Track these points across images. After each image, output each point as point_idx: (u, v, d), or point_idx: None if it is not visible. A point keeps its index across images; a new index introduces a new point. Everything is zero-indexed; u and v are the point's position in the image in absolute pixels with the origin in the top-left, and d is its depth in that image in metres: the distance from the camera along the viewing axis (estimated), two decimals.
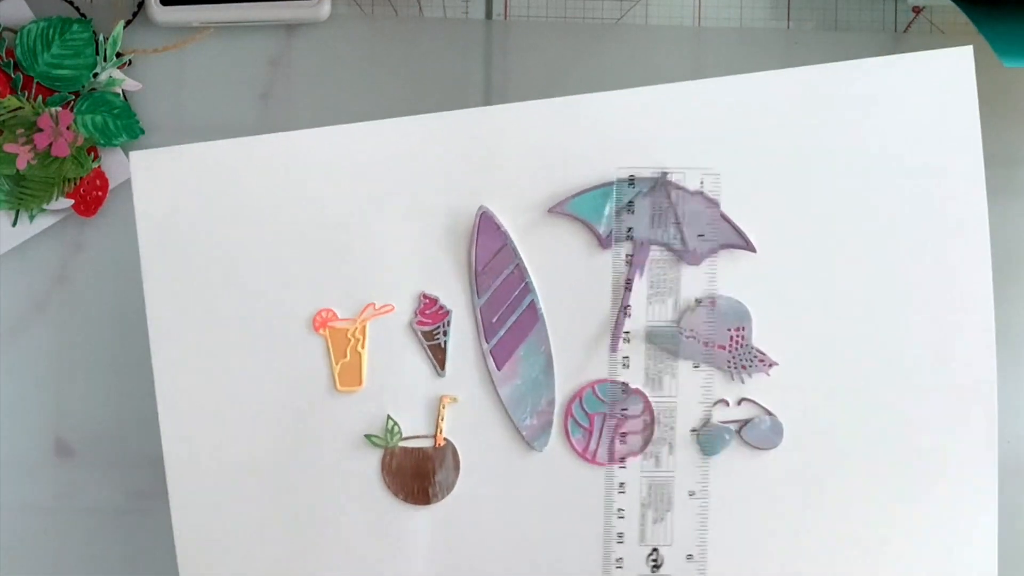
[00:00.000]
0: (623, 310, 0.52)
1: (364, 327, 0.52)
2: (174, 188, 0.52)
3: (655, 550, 0.53)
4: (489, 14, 0.60)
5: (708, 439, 0.53)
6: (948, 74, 0.52)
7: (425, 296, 0.53)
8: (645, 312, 0.53)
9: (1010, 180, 0.58)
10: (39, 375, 0.59)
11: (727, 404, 0.53)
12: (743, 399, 0.53)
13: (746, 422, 0.53)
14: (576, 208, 0.52)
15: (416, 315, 0.53)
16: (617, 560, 0.53)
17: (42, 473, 0.59)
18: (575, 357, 0.53)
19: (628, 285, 0.52)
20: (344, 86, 0.59)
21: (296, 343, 0.52)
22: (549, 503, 0.53)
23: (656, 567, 0.53)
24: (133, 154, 0.52)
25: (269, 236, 0.52)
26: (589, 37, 0.60)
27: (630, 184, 0.52)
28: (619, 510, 0.53)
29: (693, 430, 0.53)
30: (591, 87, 0.59)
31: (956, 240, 0.52)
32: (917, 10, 0.60)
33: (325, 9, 0.59)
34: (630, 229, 0.52)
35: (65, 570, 0.59)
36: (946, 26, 0.60)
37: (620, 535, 0.53)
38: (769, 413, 0.53)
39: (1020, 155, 0.59)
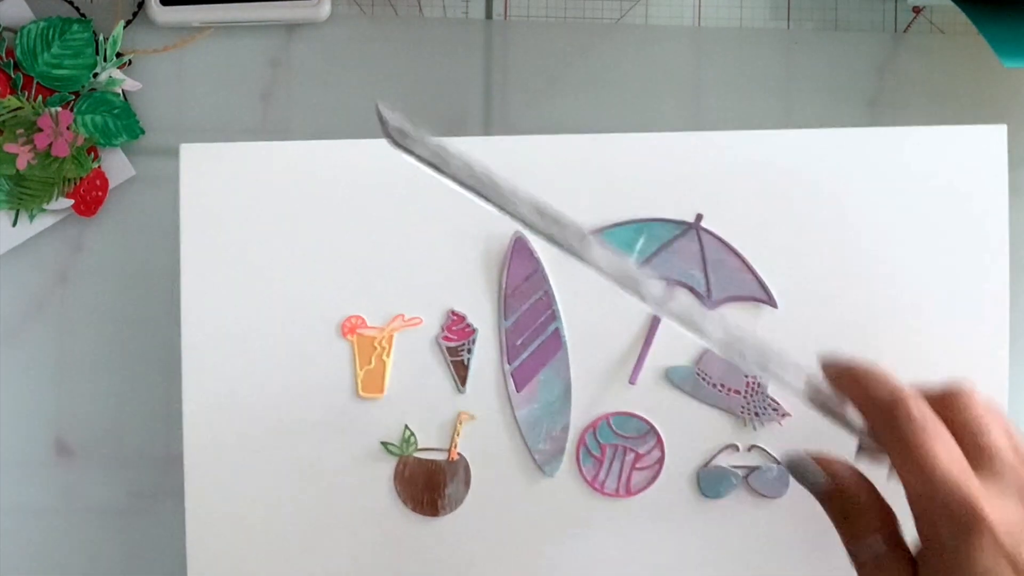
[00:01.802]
0: (648, 345, 0.53)
1: (391, 337, 0.53)
2: (220, 183, 0.53)
3: None
4: (489, 14, 0.60)
5: (711, 481, 0.53)
6: (979, 149, 0.53)
7: (454, 313, 0.53)
8: (665, 350, 0.53)
9: (1010, 180, 0.58)
10: (39, 375, 0.59)
11: (737, 449, 0.53)
12: (753, 446, 0.53)
13: (754, 469, 0.53)
14: (608, 240, 0.52)
15: (443, 330, 0.53)
16: None
17: (42, 473, 0.59)
18: (594, 387, 0.53)
19: (655, 322, 0.53)
20: (344, 86, 0.59)
21: (324, 346, 0.53)
22: (553, 527, 0.53)
23: None
24: (184, 146, 0.53)
25: (308, 239, 0.53)
26: (589, 37, 0.60)
27: (662, 224, 0.52)
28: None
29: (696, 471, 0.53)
30: (591, 87, 0.59)
31: (977, 313, 0.52)
32: (917, 10, 0.60)
33: (325, 9, 0.59)
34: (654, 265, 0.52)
35: (65, 570, 0.59)
36: (946, 26, 0.60)
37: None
38: (777, 462, 0.53)
39: (1020, 155, 0.59)
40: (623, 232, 0.52)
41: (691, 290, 0.52)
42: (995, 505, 0.41)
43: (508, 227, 0.52)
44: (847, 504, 0.45)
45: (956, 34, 0.59)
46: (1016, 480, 0.42)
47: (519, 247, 0.53)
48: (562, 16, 0.60)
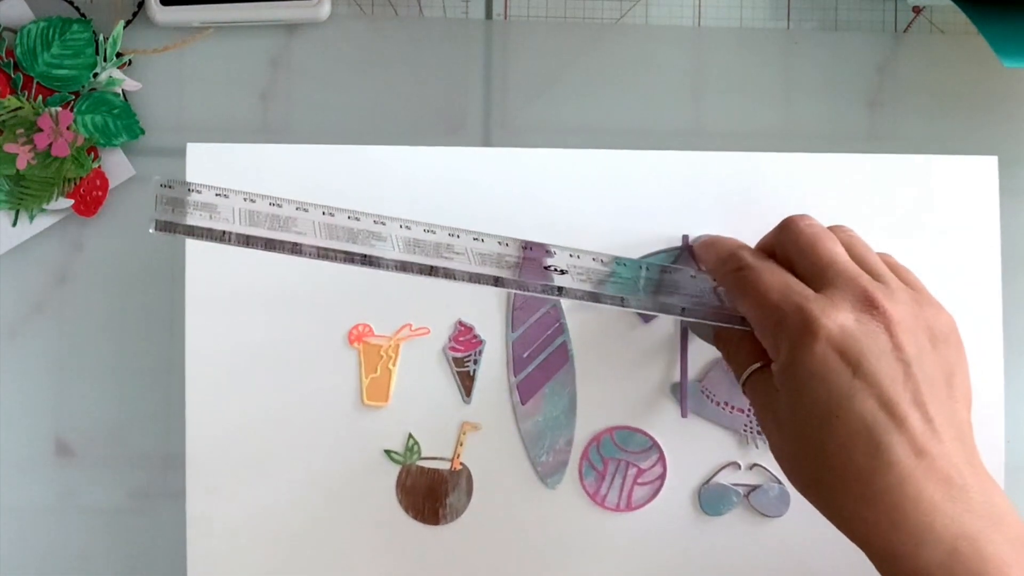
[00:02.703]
0: (684, 374, 0.53)
1: (398, 346, 0.53)
2: (226, 185, 0.52)
3: None
4: (489, 14, 0.60)
5: (712, 499, 0.53)
6: (971, 181, 0.53)
7: (461, 324, 0.53)
8: (669, 367, 0.53)
9: (1010, 180, 0.58)
10: (39, 375, 0.59)
11: (738, 467, 0.53)
12: (754, 464, 0.53)
13: (755, 488, 0.53)
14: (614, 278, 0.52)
15: (450, 341, 0.53)
16: None
17: (42, 473, 0.59)
18: (598, 401, 0.53)
19: (684, 350, 0.53)
20: (344, 86, 0.59)
21: (330, 353, 0.53)
22: (553, 540, 0.53)
23: None
24: (191, 146, 0.53)
25: None
26: (589, 37, 0.60)
27: (656, 256, 0.53)
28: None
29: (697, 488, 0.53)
30: (591, 87, 0.59)
31: (972, 332, 0.51)
32: (917, 10, 0.60)
33: (325, 9, 0.59)
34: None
35: (65, 570, 0.59)
36: (946, 26, 0.60)
37: None
38: (779, 481, 0.53)
39: (1019, 155, 0.59)
40: (625, 270, 0.52)
41: (705, 307, 0.51)
42: (827, 309, 0.43)
43: (519, 238, 0.53)
44: (728, 345, 0.49)
45: (956, 34, 0.59)
46: (850, 284, 0.44)
47: None
48: (562, 16, 0.60)
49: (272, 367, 0.53)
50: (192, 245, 0.53)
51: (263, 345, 0.53)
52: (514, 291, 0.51)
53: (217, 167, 0.53)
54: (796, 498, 0.53)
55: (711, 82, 0.59)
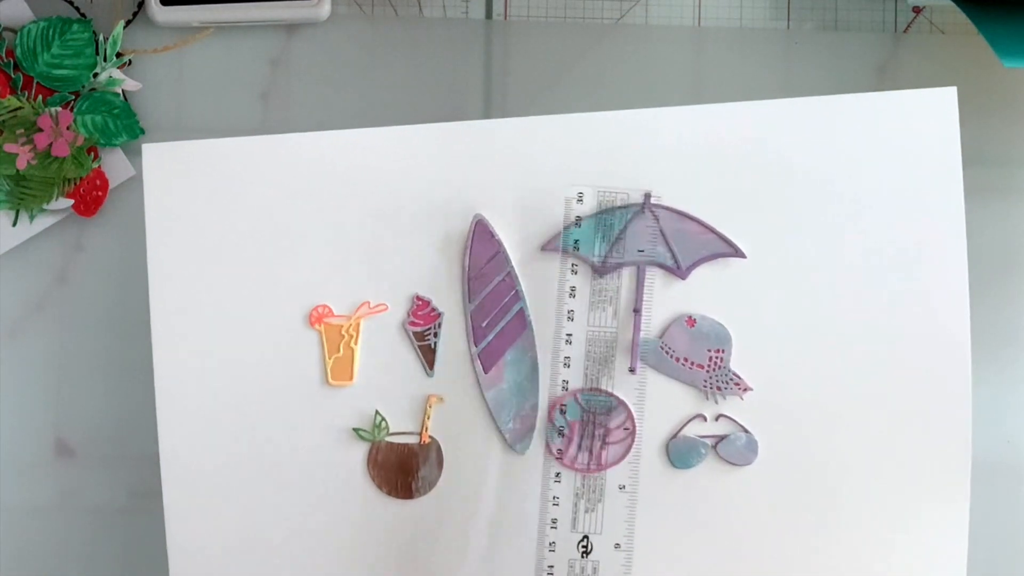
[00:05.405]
0: (637, 331, 0.53)
1: (358, 324, 0.53)
2: (183, 181, 0.53)
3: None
4: (489, 14, 0.60)
5: (681, 452, 0.53)
6: (932, 113, 0.53)
7: (418, 298, 0.53)
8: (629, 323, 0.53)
9: (1010, 180, 0.58)
10: (39, 375, 0.59)
11: (704, 419, 0.53)
12: (720, 415, 0.53)
13: (722, 438, 0.53)
14: (568, 242, 0.53)
15: (409, 316, 0.53)
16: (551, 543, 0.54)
17: (42, 473, 0.59)
18: (560, 365, 0.53)
19: (637, 307, 0.53)
20: (344, 86, 0.59)
21: (292, 336, 0.53)
22: (527, 505, 0.53)
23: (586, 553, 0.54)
24: (146, 146, 0.53)
25: (271, 232, 0.53)
26: (589, 37, 0.60)
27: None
28: (554, 497, 0.54)
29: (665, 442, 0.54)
30: (591, 87, 0.59)
31: (934, 272, 0.52)
32: (917, 10, 0.60)
33: (325, 9, 0.59)
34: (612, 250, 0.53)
35: (65, 570, 0.59)
36: (946, 26, 0.60)
37: (554, 520, 0.54)
38: (745, 430, 0.53)
39: (1019, 155, 0.59)
40: (578, 232, 0.53)
41: (661, 266, 0.53)
42: None
43: (468, 210, 0.53)
44: None
45: (956, 34, 0.59)
46: None
47: (480, 230, 0.53)
48: (562, 16, 0.60)
49: (237, 356, 0.53)
50: (154, 243, 0.53)
51: (226, 336, 0.53)
52: (468, 259, 0.52)
53: (175, 165, 0.53)
54: (764, 446, 0.53)
55: (711, 82, 0.59)
